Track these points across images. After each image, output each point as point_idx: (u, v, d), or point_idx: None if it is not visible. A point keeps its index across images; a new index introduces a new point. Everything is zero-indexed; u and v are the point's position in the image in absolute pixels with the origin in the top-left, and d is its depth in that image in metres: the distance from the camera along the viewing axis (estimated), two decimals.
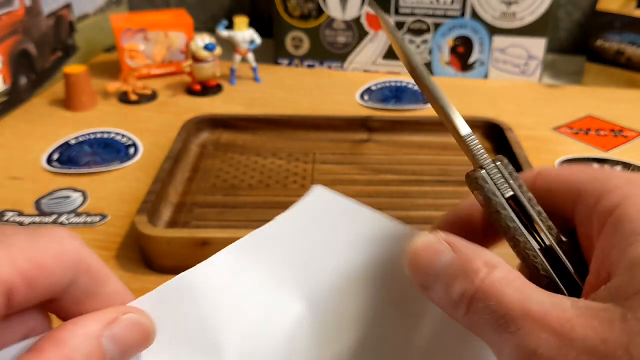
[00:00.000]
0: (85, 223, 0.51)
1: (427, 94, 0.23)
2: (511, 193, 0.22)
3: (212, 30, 0.82)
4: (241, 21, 0.78)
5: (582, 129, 0.68)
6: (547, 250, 0.21)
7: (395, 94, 0.78)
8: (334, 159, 0.60)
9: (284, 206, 0.52)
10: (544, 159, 0.61)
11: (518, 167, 0.54)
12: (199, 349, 0.22)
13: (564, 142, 0.65)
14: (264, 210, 0.52)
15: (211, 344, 0.22)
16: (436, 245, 0.21)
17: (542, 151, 0.63)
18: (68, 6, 0.83)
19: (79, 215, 0.52)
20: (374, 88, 0.80)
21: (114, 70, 0.82)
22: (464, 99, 0.76)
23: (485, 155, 0.22)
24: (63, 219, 0.51)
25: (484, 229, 0.24)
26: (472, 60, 0.83)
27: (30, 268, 0.18)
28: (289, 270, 0.24)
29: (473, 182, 0.22)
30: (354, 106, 0.74)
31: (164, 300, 0.22)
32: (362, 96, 0.77)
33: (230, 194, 0.54)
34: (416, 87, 0.80)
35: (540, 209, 0.22)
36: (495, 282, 0.19)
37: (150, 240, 0.44)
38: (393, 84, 0.81)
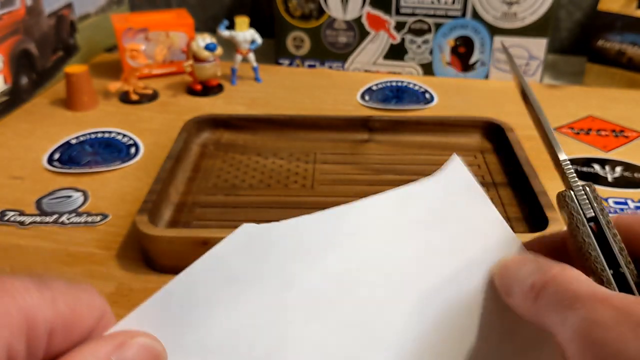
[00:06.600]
0: (86, 222, 0.51)
1: (534, 117, 0.28)
2: (592, 214, 0.24)
3: (213, 30, 0.82)
4: (242, 21, 0.78)
5: (583, 129, 0.68)
6: (615, 269, 0.23)
7: (395, 94, 0.78)
8: (334, 158, 0.60)
9: (284, 206, 0.53)
10: (544, 159, 0.60)
11: (518, 167, 0.54)
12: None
13: (564, 142, 0.65)
14: (264, 210, 0.52)
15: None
16: (524, 258, 0.24)
17: (543, 151, 0.61)
18: (69, 6, 0.83)
19: (79, 214, 0.52)
20: (374, 88, 0.80)
21: (114, 69, 0.82)
22: (464, 99, 0.76)
23: (576, 179, 0.25)
24: (64, 218, 0.51)
25: (569, 257, 0.26)
26: (473, 60, 0.83)
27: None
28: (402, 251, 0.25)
29: (561, 200, 0.25)
30: (355, 106, 0.74)
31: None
32: (362, 96, 0.77)
33: (231, 193, 0.54)
34: (416, 87, 0.80)
35: (615, 231, 0.24)
36: (567, 275, 0.21)
37: (151, 239, 0.44)
38: (394, 84, 0.81)
